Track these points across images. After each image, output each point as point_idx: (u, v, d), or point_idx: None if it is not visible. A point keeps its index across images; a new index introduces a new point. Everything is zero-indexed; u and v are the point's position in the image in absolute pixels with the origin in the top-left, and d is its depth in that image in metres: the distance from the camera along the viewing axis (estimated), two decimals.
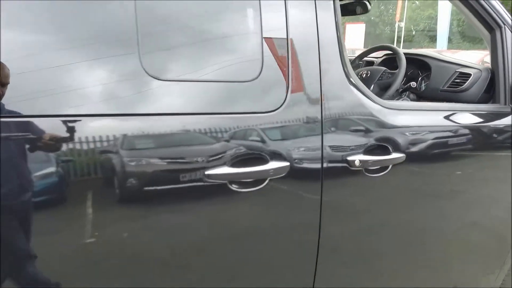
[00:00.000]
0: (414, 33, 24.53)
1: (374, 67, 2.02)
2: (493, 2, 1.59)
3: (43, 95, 0.80)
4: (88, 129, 0.84)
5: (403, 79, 1.83)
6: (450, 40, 17.08)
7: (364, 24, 16.59)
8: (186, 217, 0.99)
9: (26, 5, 0.80)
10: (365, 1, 2.07)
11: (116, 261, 0.93)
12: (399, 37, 18.99)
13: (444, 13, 14.75)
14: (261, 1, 1.03)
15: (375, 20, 26.57)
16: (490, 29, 1.66)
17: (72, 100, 0.84)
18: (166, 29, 0.94)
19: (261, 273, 1.15)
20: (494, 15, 1.61)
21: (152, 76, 0.90)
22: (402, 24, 19.45)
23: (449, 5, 13.45)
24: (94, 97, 0.86)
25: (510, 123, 1.59)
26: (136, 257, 0.94)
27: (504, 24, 1.63)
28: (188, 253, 1.02)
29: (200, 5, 0.97)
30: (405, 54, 1.86)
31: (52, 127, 0.81)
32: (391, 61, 2.02)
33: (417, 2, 26.03)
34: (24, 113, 0.80)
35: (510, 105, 1.65)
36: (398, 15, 18.74)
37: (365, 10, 2.09)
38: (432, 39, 18.64)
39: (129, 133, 0.89)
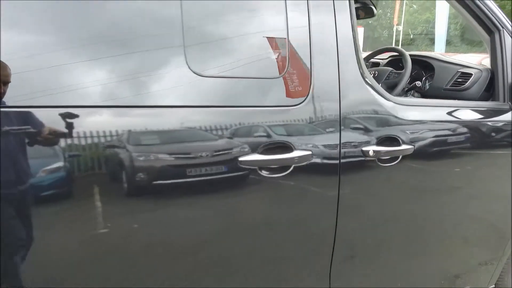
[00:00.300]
0: (412, 36, 24.74)
1: (381, 67, 2.14)
2: (492, 7, 1.72)
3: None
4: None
5: (408, 79, 1.95)
6: (448, 43, 17.24)
7: (363, 28, 16.76)
8: (223, 201, 1.11)
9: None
10: (371, 6, 2.20)
11: (175, 233, 1.07)
12: (397, 41, 19.17)
13: (442, 16, 14.91)
14: (287, 6, 1.15)
15: (373, 24, 26.75)
16: (490, 32, 1.79)
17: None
18: (207, 33, 1.06)
19: (289, 252, 1.27)
20: (493, 18, 1.74)
21: (195, 73, 1.02)
22: (400, 28, 19.65)
23: (446, 9, 13.62)
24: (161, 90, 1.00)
25: (509, 119, 1.72)
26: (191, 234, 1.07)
27: (503, 28, 1.76)
28: (221, 234, 1.14)
29: (236, 11, 1.10)
30: (410, 55, 1.99)
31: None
32: (396, 62, 2.15)
33: (414, 6, 26.26)
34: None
35: (509, 102, 1.77)
36: (396, 19, 18.94)
37: (372, 14, 2.22)
38: (430, 42, 18.82)
39: (183, 122, 1.02)
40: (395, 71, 2.01)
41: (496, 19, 1.74)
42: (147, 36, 0.99)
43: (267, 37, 1.17)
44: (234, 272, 1.21)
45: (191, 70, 1.01)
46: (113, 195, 0.98)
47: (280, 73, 1.14)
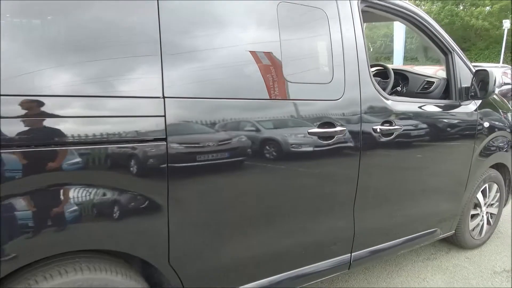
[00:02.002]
0: (371, 49, 26.50)
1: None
2: (445, 36, 2.59)
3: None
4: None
5: (391, 85, 2.80)
6: (405, 57, 18.82)
7: None
8: (297, 159, 1.85)
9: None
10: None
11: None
12: None
13: (399, 32, 16.36)
14: (330, 27, 1.92)
15: None
16: (445, 54, 2.67)
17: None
18: (293, 51, 1.81)
19: (329, 189, 2.03)
20: (446, 44, 2.61)
21: (287, 80, 1.77)
22: None
23: (403, 25, 15.04)
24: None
25: (458, 111, 2.60)
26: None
27: (453, 51, 2.64)
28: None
29: (302, 34, 1.85)
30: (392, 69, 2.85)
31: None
32: (382, 73, 3.00)
33: (373, 22, 28.07)
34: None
35: (458, 101, 2.65)
36: None
37: None
38: (389, 56, 20.40)
39: (273, 111, 1.75)
40: (382, 80, 2.85)
41: (448, 45, 2.63)
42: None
43: (320, 52, 1.93)
44: (301, 206, 1.94)
45: (285, 79, 1.76)
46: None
47: (330, 80, 1.92)
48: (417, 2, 36.72)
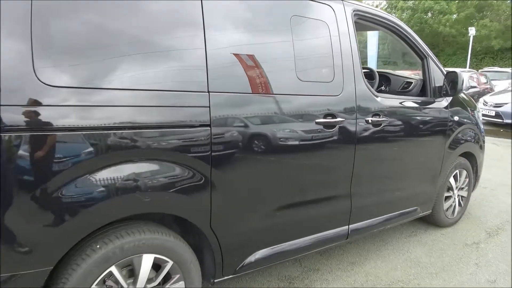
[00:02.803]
0: None
1: None
2: (421, 43, 3.07)
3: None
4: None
5: (377, 85, 3.25)
6: (378, 62, 19.67)
7: None
8: (307, 144, 2.25)
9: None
10: None
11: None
12: None
13: (372, 39, 17.16)
14: (331, 36, 2.33)
15: None
16: (421, 58, 3.14)
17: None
18: (303, 55, 2.21)
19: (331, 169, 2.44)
20: (422, 50, 3.09)
21: (299, 79, 2.17)
22: None
23: (376, 33, 15.82)
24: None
25: (433, 106, 3.07)
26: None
27: (428, 56, 3.12)
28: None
29: (309, 41, 2.26)
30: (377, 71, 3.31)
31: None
32: (367, 75, 3.45)
33: None
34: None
35: (433, 98, 3.13)
36: None
37: None
38: (363, 61, 21.23)
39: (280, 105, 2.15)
40: (369, 80, 3.29)
41: (424, 51, 3.10)
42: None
43: (326, 57, 2.34)
44: (311, 184, 2.34)
45: (298, 78, 2.16)
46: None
47: (332, 79, 2.33)
48: (388, 10, 38.17)
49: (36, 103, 1.42)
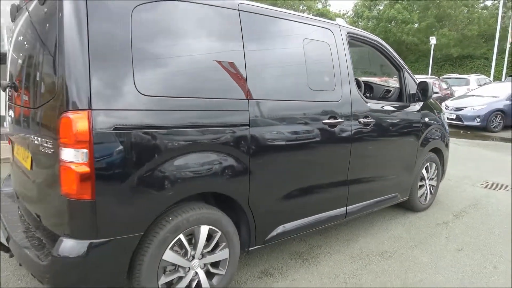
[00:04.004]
0: None
1: None
2: (398, 58, 3.73)
3: None
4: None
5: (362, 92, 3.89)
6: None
7: None
8: (318, 143, 2.82)
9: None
10: None
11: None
12: None
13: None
14: (331, 53, 2.94)
15: None
16: (398, 70, 3.81)
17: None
18: (313, 69, 2.79)
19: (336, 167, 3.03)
20: (398, 63, 3.75)
21: (310, 88, 2.75)
22: None
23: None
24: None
25: (408, 109, 3.74)
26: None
27: (403, 68, 3.79)
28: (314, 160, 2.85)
29: (316, 58, 2.86)
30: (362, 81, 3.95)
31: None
32: None
33: None
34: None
35: (408, 103, 3.80)
36: None
37: None
38: None
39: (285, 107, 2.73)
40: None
41: (400, 64, 3.77)
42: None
43: (330, 68, 2.93)
44: (320, 172, 2.91)
45: (309, 88, 2.74)
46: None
47: (333, 88, 2.93)
48: (354, 18, 39.80)
49: (135, 106, 1.93)
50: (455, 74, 24.35)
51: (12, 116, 2.48)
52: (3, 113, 5.26)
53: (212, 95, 2.23)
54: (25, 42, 2.37)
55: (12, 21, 2.72)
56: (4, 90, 2.54)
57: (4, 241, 2.48)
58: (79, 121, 1.78)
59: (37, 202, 2.28)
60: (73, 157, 1.81)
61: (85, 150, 1.80)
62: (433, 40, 27.82)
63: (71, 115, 1.79)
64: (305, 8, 40.29)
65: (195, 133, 2.15)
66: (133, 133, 1.92)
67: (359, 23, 37.79)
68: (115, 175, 1.89)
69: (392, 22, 35.45)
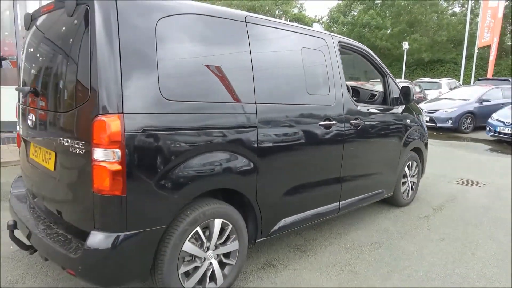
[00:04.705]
0: None
1: None
2: (383, 65, 4.05)
3: None
4: None
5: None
6: None
7: None
8: (315, 142, 3.08)
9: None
10: None
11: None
12: None
13: None
14: (325, 61, 3.21)
15: None
16: (382, 76, 4.13)
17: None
18: (310, 75, 3.05)
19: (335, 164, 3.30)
20: (383, 69, 4.07)
21: (308, 93, 3.01)
22: None
23: None
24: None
25: (392, 112, 4.06)
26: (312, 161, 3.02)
27: (387, 74, 4.11)
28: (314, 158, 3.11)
29: (313, 65, 3.13)
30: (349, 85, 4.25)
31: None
32: None
33: None
34: None
35: (392, 106, 4.12)
36: None
37: None
38: None
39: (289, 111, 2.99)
40: None
41: (384, 70, 4.09)
42: None
43: (328, 76, 3.20)
44: (317, 170, 3.16)
45: (308, 92, 3.00)
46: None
47: (328, 93, 3.19)
48: (330, 23, 40.65)
49: (160, 110, 2.12)
50: (427, 78, 25.33)
51: (33, 119, 2.60)
52: (3, 118, 5.26)
53: (226, 99, 2.45)
54: (47, 50, 2.51)
55: (26, 29, 2.85)
56: (26, 95, 2.67)
57: (22, 239, 2.61)
58: (112, 123, 1.96)
59: (59, 200, 2.43)
60: (106, 156, 1.99)
61: (118, 150, 1.99)
62: (406, 46, 28.80)
63: (105, 118, 1.97)
64: (281, 13, 40.90)
65: (212, 134, 2.35)
66: (159, 135, 2.12)
67: (334, 28, 38.68)
68: (143, 172, 2.08)
69: (366, 28, 36.48)
